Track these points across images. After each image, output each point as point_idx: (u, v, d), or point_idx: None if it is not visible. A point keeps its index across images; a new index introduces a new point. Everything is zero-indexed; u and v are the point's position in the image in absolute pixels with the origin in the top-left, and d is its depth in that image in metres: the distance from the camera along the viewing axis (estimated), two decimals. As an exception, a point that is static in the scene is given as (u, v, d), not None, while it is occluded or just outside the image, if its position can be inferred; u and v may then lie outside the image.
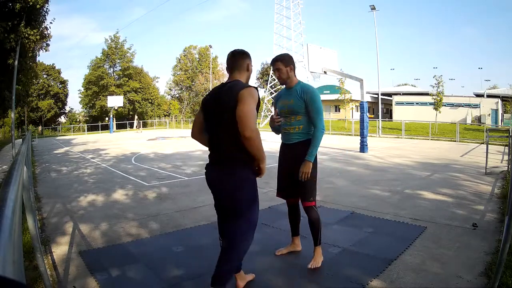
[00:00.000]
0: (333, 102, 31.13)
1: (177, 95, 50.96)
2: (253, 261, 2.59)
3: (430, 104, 23.52)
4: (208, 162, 2.07)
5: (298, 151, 2.51)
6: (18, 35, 8.47)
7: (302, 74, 27.10)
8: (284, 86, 2.67)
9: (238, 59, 2.06)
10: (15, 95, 9.44)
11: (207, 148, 2.08)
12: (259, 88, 39.80)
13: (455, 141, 15.23)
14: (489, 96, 32.13)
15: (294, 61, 2.68)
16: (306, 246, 2.89)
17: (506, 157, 8.25)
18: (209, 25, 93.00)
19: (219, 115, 1.93)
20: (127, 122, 37.49)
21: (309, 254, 2.63)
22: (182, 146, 13.41)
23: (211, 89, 2.15)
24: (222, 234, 2.13)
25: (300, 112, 2.51)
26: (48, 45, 10.11)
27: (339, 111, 32.29)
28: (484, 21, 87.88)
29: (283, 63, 2.55)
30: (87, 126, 32.99)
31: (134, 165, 8.42)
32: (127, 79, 39.55)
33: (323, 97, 27.41)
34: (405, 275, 2.39)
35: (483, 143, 12.87)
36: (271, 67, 2.68)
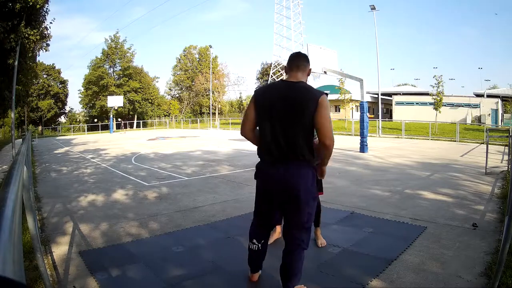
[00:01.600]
0: (333, 102, 31.09)
1: (177, 95, 50.96)
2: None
3: (430, 104, 23.49)
4: (265, 161, 2.01)
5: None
6: (18, 35, 8.46)
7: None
8: None
9: (303, 61, 2.05)
10: (15, 95, 9.43)
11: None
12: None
13: (455, 141, 15.22)
14: (489, 96, 32.13)
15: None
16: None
17: (506, 157, 8.26)
18: (209, 25, 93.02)
19: (292, 115, 1.89)
20: (127, 122, 37.48)
21: (310, 254, 2.62)
22: (182, 146, 13.38)
23: (267, 86, 2.07)
24: (261, 236, 2.21)
25: None
26: (48, 45, 10.09)
27: (339, 111, 32.29)
28: (484, 21, 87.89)
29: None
30: (87, 126, 33.00)
31: (134, 165, 8.42)
32: (127, 79, 39.55)
33: (323, 97, 27.29)
34: (405, 275, 2.39)
35: (483, 143, 12.86)
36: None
